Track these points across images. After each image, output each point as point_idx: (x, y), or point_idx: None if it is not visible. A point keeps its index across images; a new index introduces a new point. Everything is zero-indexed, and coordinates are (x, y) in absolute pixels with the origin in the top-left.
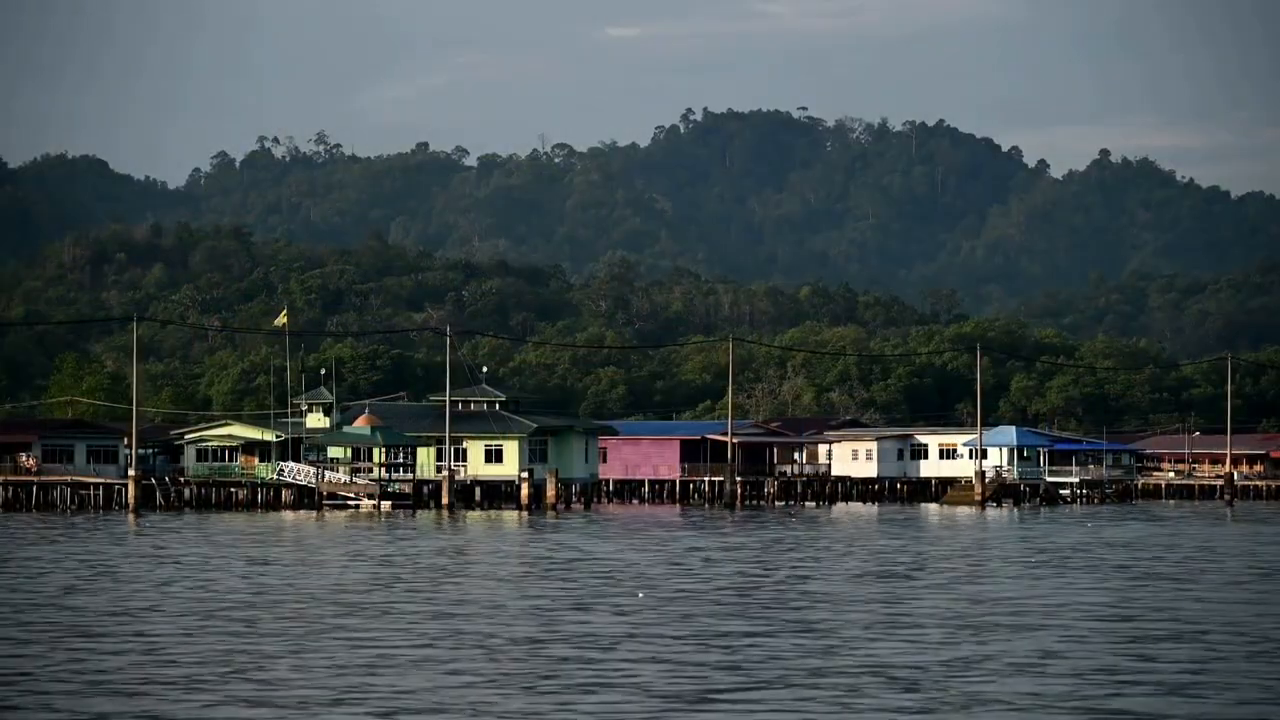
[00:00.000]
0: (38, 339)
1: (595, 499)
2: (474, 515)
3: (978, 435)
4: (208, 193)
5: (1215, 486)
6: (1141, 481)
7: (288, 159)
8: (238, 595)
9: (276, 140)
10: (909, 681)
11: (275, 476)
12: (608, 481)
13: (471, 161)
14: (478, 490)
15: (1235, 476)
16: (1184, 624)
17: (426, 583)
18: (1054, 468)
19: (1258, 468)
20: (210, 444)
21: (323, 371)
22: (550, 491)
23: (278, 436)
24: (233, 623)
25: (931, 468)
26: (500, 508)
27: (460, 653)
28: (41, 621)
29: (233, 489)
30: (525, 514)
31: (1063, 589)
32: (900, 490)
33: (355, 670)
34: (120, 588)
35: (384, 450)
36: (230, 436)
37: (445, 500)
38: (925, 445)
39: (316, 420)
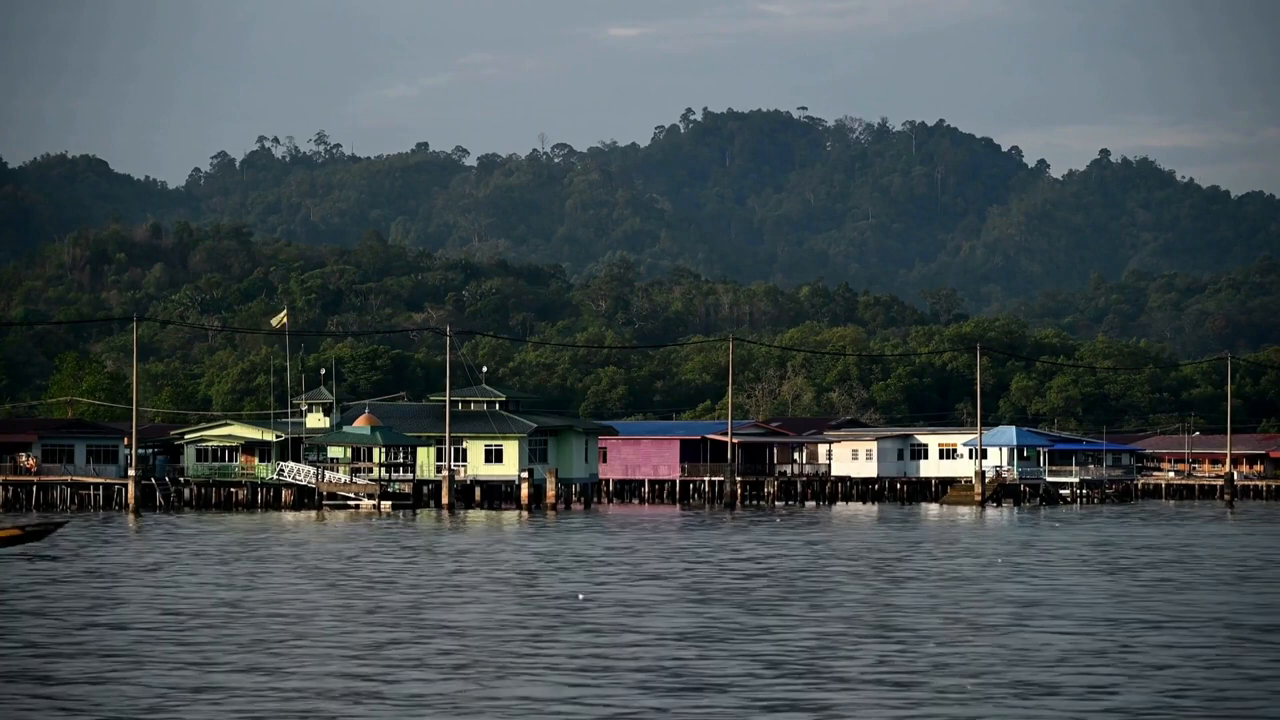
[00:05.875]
0: (38, 339)
1: (595, 499)
2: (474, 515)
3: (978, 435)
4: (208, 193)
5: (1215, 486)
6: (1141, 481)
7: (288, 159)
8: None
9: (276, 140)
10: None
11: (275, 476)
12: (608, 481)
13: (471, 161)
14: (477, 490)
15: (1235, 476)
16: None
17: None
18: (1054, 468)
19: (1258, 468)
20: (210, 444)
21: (323, 371)
22: (550, 491)
23: (278, 436)
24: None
25: (931, 468)
26: (500, 508)
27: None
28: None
29: (233, 489)
30: (525, 514)
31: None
32: (900, 490)
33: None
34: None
35: (384, 450)
36: (230, 436)
37: (445, 500)
38: (925, 445)
39: (316, 420)
